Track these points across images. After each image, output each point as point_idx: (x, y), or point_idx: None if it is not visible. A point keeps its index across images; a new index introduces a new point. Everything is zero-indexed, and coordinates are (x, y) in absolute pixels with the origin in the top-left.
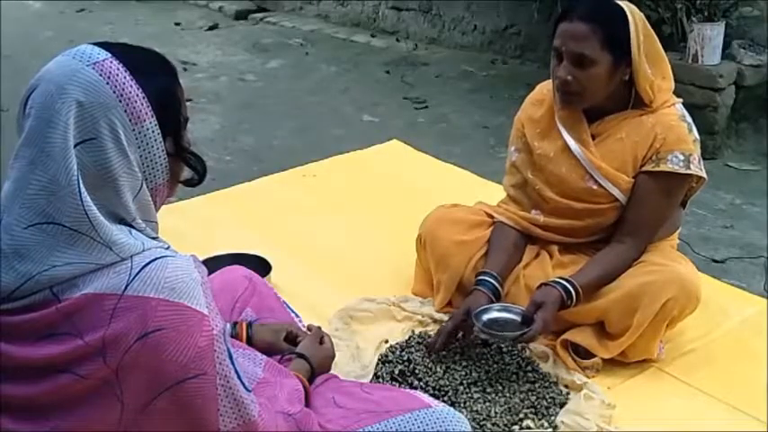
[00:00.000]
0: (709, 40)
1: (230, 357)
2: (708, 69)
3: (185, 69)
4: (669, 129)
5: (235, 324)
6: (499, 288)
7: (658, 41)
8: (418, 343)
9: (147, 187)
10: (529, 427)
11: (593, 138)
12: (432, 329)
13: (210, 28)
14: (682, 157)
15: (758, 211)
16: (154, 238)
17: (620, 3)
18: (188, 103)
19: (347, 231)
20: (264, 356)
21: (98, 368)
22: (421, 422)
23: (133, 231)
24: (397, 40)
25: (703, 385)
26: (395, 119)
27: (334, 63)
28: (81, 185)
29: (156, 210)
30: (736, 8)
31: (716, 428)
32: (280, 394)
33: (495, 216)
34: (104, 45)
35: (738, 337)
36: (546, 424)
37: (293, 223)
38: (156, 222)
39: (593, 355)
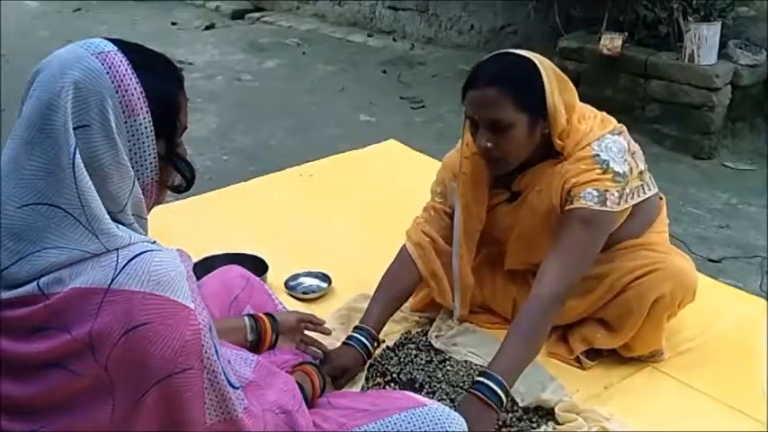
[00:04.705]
0: (705, 39)
1: (216, 352)
2: (704, 69)
3: (182, 69)
4: (579, 173)
5: (254, 318)
6: (370, 347)
7: (569, 81)
8: (415, 344)
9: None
10: (528, 426)
11: (518, 194)
12: (428, 330)
13: (207, 27)
14: (596, 193)
15: (754, 210)
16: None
17: (527, 55)
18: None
19: (344, 231)
20: (256, 357)
21: (90, 365)
22: (417, 421)
23: (120, 226)
24: (394, 39)
25: (700, 384)
26: (392, 118)
27: (330, 63)
28: (79, 168)
29: (147, 211)
30: (732, 8)
31: (712, 427)
32: (269, 392)
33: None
34: (117, 41)
35: (735, 337)
36: (545, 423)
37: (290, 223)
38: (146, 219)
39: (597, 357)
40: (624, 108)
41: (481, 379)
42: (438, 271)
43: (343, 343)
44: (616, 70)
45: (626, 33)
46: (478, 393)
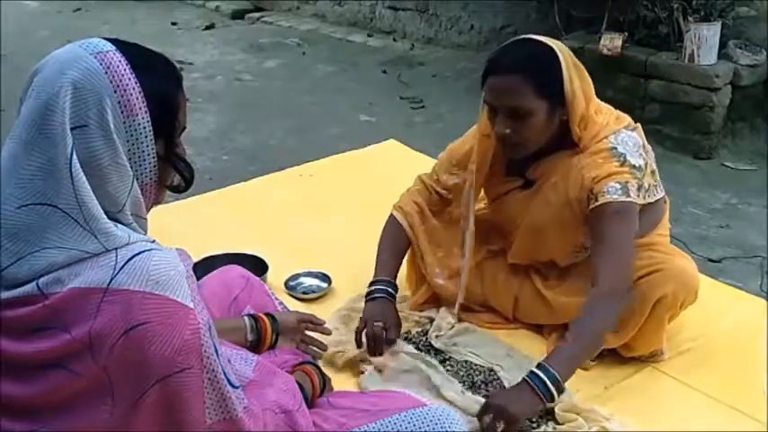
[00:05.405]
0: (705, 39)
1: (216, 352)
2: (704, 69)
3: (182, 69)
4: (597, 167)
5: (254, 318)
6: (395, 294)
7: (585, 70)
8: (415, 344)
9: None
10: (528, 426)
11: (532, 182)
12: (428, 330)
13: (207, 27)
14: (618, 186)
15: (754, 210)
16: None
17: (547, 42)
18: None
19: (344, 231)
20: (256, 357)
21: (89, 365)
22: (416, 421)
23: (119, 225)
24: (394, 39)
25: (700, 385)
26: (392, 118)
27: (330, 63)
28: (76, 168)
29: (146, 211)
30: (732, 8)
31: (713, 428)
32: (269, 392)
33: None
34: (116, 41)
35: (735, 337)
36: (545, 423)
37: (290, 223)
38: (146, 219)
39: (597, 357)
40: (624, 108)
41: (539, 372)
42: (422, 242)
43: (368, 299)
44: (616, 70)
45: (626, 33)
46: (533, 385)
